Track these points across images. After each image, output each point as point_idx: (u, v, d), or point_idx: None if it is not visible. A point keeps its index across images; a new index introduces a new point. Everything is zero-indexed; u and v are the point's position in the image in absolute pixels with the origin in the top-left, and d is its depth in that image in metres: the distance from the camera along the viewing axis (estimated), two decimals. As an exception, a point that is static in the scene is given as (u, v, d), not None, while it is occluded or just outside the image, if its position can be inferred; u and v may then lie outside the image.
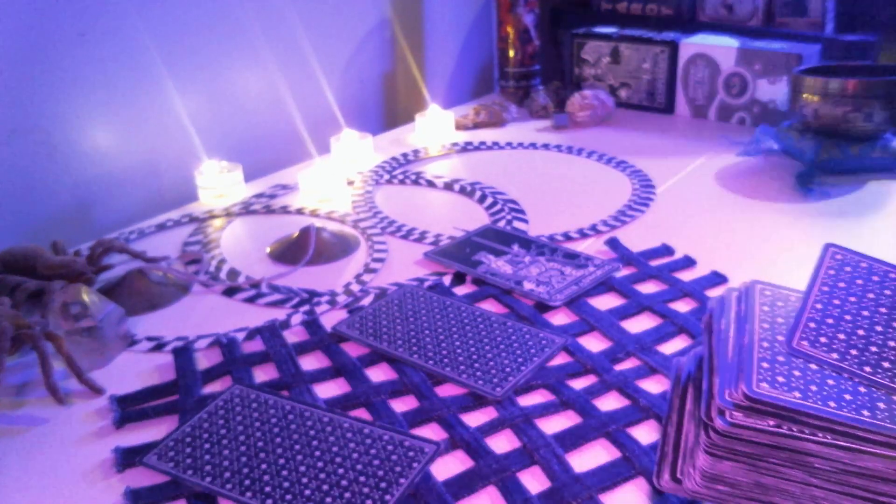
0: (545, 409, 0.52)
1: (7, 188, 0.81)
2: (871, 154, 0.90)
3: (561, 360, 0.58)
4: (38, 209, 0.84)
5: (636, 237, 0.77)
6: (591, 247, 0.76)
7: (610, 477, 0.45)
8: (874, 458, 0.31)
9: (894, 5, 1.13)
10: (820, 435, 0.32)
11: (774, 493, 0.34)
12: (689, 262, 0.71)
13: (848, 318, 0.36)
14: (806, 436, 0.32)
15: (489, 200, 0.89)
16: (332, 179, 0.92)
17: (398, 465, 0.46)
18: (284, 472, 0.46)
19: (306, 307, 0.67)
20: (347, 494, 0.44)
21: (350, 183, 0.97)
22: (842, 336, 0.35)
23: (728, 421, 0.32)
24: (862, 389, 0.33)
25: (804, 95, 0.92)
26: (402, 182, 0.97)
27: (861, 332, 0.35)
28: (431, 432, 0.50)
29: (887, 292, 0.37)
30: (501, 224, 0.82)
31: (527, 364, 0.56)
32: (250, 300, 0.69)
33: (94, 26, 0.85)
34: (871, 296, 0.37)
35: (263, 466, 0.47)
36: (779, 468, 0.33)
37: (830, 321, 0.36)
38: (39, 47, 0.81)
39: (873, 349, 0.34)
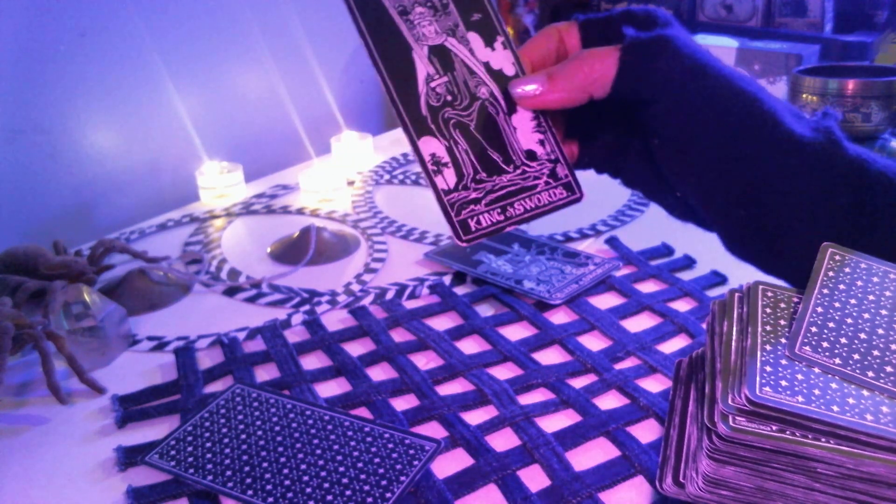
0: (545, 408, 0.52)
1: (8, 188, 0.81)
2: (870, 154, 0.91)
3: (561, 358, 0.58)
4: (39, 209, 0.84)
5: (636, 236, 0.77)
6: (591, 246, 0.77)
7: (610, 475, 0.45)
8: (877, 463, 0.31)
9: (893, 6, 1.13)
10: (823, 440, 0.32)
11: (777, 497, 0.34)
12: (688, 262, 0.71)
13: (849, 321, 0.36)
14: (809, 441, 0.32)
15: (489, 200, 0.89)
16: (333, 180, 0.92)
17: (399, 462, 0.46)
18: (286, 471, 0.46)
19: (307, 307, 0.67)
20: (348, 492, 0.44)
21: (350, 183, 0.97)
22: (844, 340, 0.35)
23: (731, 426, 0.32)
24: (865, 393, 0.33)
25: (803, 95, 0.92)
26: (402, 182, 0.98)
27: (863, 336, 0.35)
28: (432, 430, 0.50)
29: (888, 293, 0.37)
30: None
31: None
32: (251, 300, 0.69)
33: (94, 26, 0.85)
34: (871, 297, 0.37)
35: (265, 465, 0.47)
36: (782, 473, 0.33)
37: (832, 325, 0.36)
38: (40, 48, 0.81)
39: (875, 353, 0.34)
